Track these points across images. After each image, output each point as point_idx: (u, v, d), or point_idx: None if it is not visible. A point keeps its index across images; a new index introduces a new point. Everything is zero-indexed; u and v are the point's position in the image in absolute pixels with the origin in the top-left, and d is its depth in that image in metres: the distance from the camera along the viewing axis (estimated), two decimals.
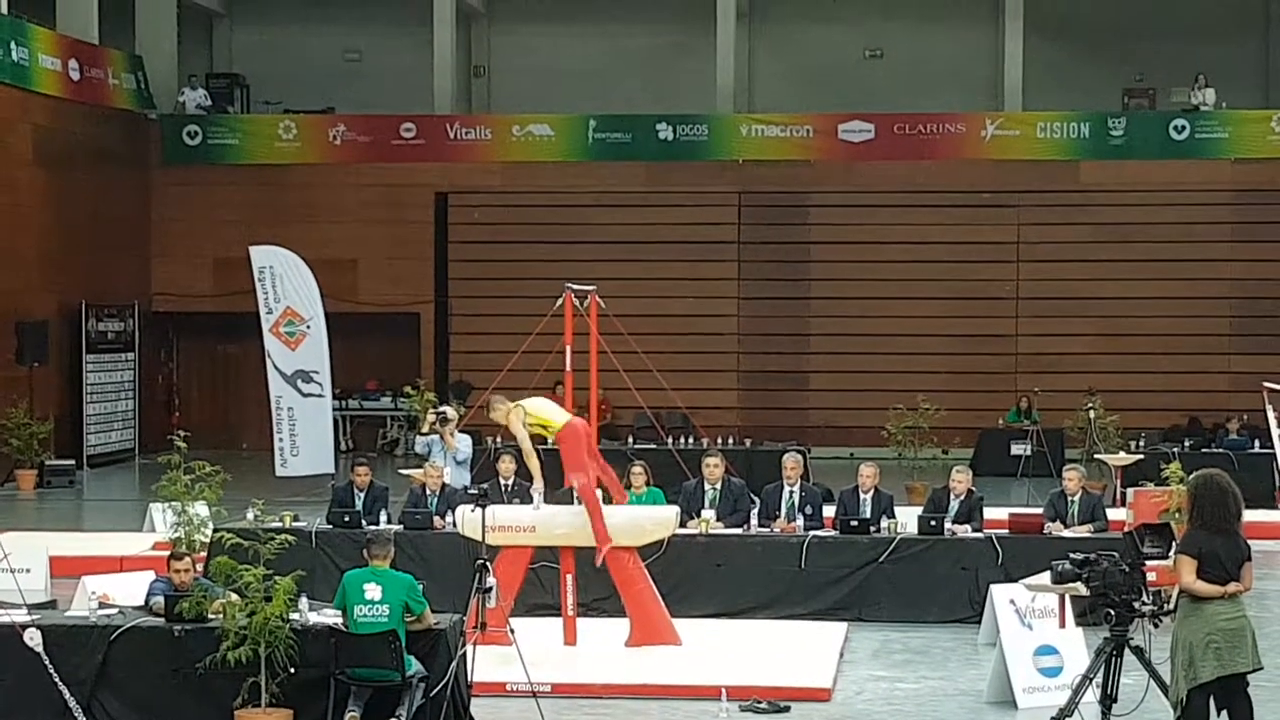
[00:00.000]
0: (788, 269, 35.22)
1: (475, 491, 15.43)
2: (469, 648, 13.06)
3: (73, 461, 31.00)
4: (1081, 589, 11.69)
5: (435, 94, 36.15)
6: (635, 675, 15.03)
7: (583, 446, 16.08)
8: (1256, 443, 27.75)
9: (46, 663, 13.04)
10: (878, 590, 17.93)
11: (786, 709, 13.97)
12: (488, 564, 13.67)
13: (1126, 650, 11.66)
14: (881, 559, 17.94)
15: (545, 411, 16.26)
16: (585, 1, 37.71)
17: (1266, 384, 25.96)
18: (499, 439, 24.76)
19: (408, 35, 37.34)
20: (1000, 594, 14.77)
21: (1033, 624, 14.35)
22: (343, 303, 32.30)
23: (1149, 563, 11.61)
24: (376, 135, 35.86)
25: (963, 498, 18.55)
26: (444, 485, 19.10)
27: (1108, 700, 11.79)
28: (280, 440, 25.75)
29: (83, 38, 33.24)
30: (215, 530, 17.83)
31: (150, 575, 14.87)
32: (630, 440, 28.15)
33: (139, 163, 35.68)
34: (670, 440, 25.52)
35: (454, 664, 12.87)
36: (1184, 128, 34.72)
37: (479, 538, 14.30)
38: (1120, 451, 26.91)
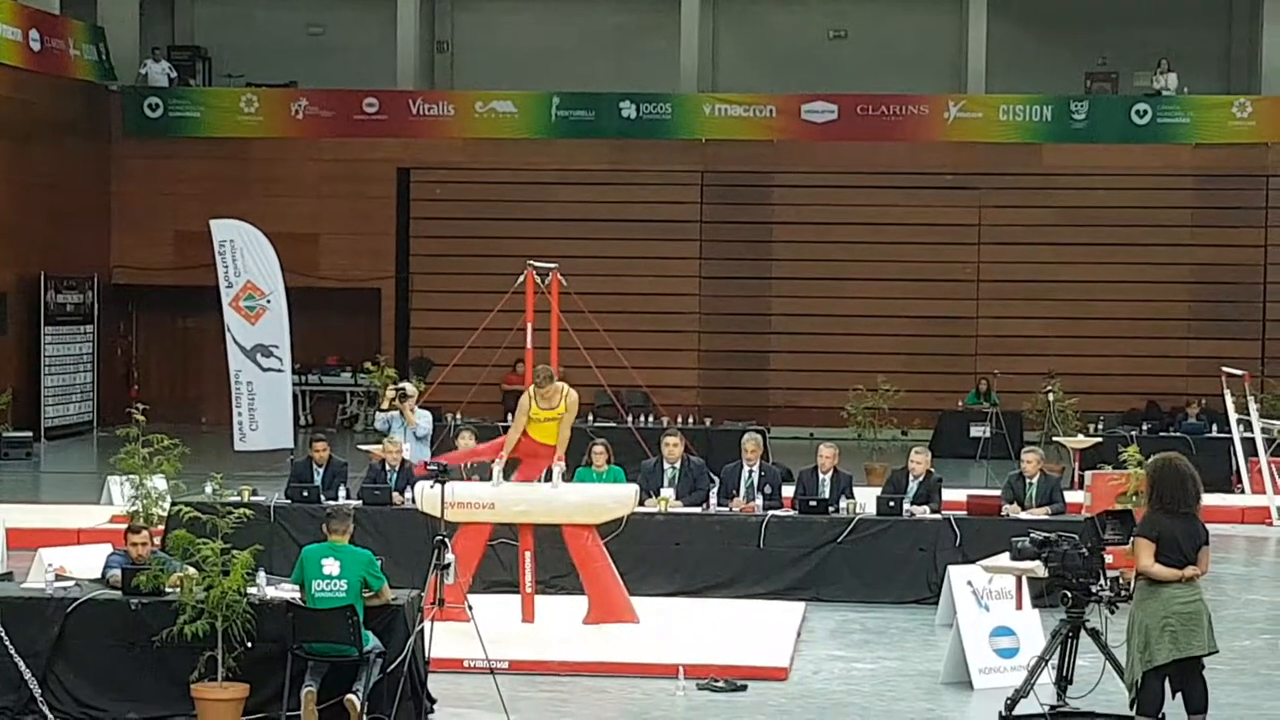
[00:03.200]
0: (749, 249, 35.23)
1: (435, 467, 15.40)
2: (427, 624, 13.05)
3: (30, 433, 30.88)
4: (1039, 570, 11.74)
5: (398, 69, 36.07)
6: (593, 653, 15.04)
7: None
8: (1214, 427, 27.85)
9: (2, 635, 13.00)
10: (836, 570, 17.96)
11: (744, 688, 13.99)
12: (446, 540, 13.65)
13: (1082, 632, 11.71)
14: (840, 539, 17.97)
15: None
16: None
17: (1225, 369, 26.09)
18: (458, 415, 24.77)
19: (371, 10, 37.27)
20: (958, 575, 14.80)
21: (989, 605, 14.39)
22: (303, 277, 32.21)
23: (1107, 546, 11.66)
24: (339, 110, 35.75)
25: (921, 479, 18.58)
26: (403, 461, 19.09)
27: (1063, 682, 11.84)
28: (239, 414, 25.67)
29: (44, 8, 33.06)
30: (173, 504, 17.76)
31: (107, 548, 14.83)
32: (590, 419, 28.07)
33: (100, 135, 35.54)
34: (630, 419, 25.55)
35: (411, 640, 12.86)
36: (1146, 112, 34.82)
37: (438, 514, 14.29)
38: (1079, 434, 27.01)
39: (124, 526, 14.99)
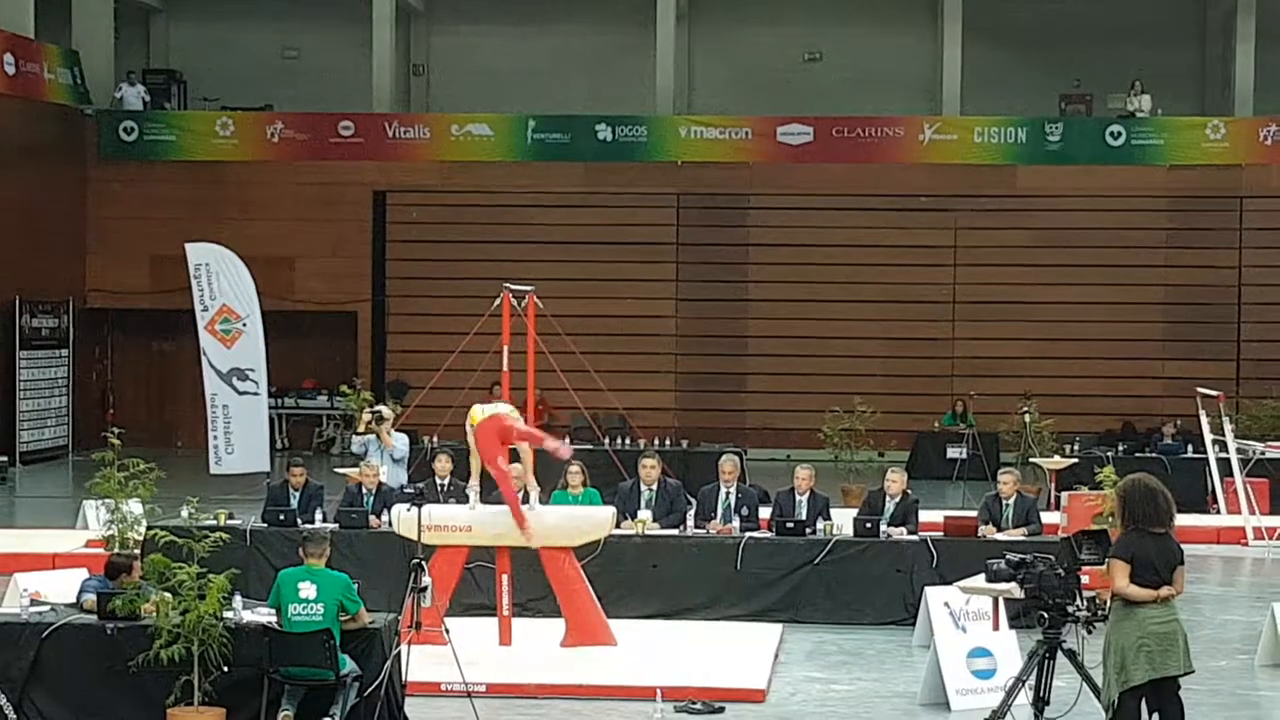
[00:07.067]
0: (726, 271, 35.26)
1: (411, 490, 15.40)
2: (404, 647, 13.04)
3: (5, 458, 30.81)
4: (1015, 590, 11.74)
5: (374, 92, 36.06)
6: (570, 676, 15.03)
7: (493, 441, 16.03)
8: (1190, 447, 27.90)
9: None
10: (813, 592, 17.96)
11: (721, 710, 13.99)
12: (423, 563, 13.64)
13: (1059, 653, 11.72)
14: (817, 561, 17.98)
15: (474, 412, 16.37)
16: (525, 1, 37.68)
17: (1200, 390, 26.13)
18: (435, 438, 24.74)
19: (346, 33, 37.25)
20: (934, 596, 14.82)
21: (966, 626, 14.41)
22: (279, 301, 32.20)
23: (1083, 567, 11.67)
24: (314, 133, 35.74)
25: (898, 500, 18.60)
26: (380, 484, 19.07)
27: (1040, 703, 11.85)
28: (215, 438, 25.61)
29: (19, 32, 33.01)
30: (149, 528, 17.73)
31: (83, 573, 14.79)
32: (567, 441, 28.06)
33: (75, 158, 35.48)
34: (607, 441, 25.48)
35: (388, 663, 12.85)
36: (1120, 134, 34.92)
37: (415, 537, 14.28)
38: (1055, 455, 27.01)
39: (101, 551, 14.94)
